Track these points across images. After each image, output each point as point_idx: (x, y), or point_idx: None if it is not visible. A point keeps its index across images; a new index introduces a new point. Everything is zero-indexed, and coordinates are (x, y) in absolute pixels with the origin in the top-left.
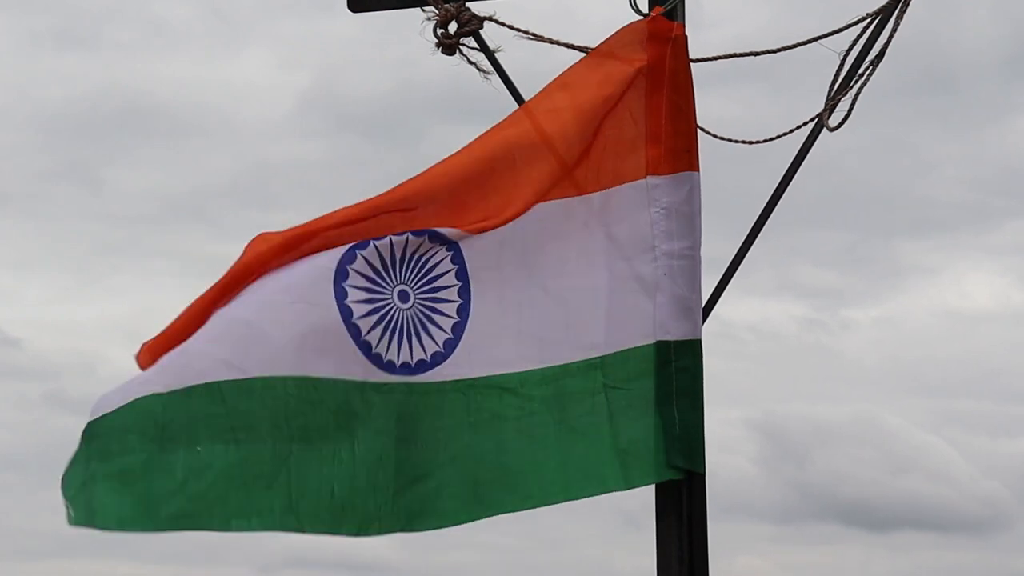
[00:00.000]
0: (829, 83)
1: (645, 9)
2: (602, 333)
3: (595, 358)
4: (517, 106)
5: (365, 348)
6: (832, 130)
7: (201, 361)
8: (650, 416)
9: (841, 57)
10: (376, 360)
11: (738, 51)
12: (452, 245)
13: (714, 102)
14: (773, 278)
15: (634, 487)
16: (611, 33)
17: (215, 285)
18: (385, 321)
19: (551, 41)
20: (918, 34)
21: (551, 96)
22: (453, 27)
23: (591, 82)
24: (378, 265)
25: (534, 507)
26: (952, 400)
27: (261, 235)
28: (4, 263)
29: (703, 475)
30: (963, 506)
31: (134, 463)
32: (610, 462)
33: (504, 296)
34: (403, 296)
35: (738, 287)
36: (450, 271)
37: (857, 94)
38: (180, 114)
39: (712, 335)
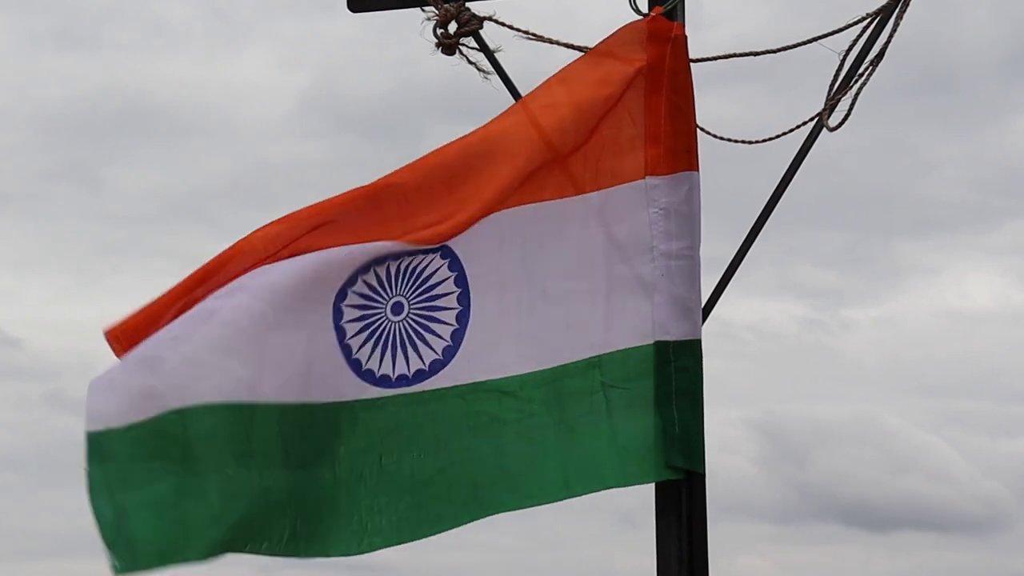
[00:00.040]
0: (829, 83)
1: (645, 9)
2: (601, 333)
3: (593, 357)
4: None
5: (356, 366)
6: (832, 130)
7: (220, 376)
8: (649, 416)
9: (841, 57)
10: (368, 376)
11: (738, 51)
12: (447, 252)
13: (714, 102)
14: (773, 278)
15: (633, 484)
16: (611, 33)
17: (197, 271)
18: (376, 336)
19: (551, 41)
20: (918, 34)
21: (549, 91)
22: (453, 27)
23: (590, 80)
24: (374, 283)
25: (534, 505)
26: (952, 400)
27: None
28: (4, 263)
29: (703, 475)
30: (963, 506)
31: (165, 491)
32: (609, 459)
33: (504, 299)
34: (397, 308)
35: (738, 287)
36: (448, 278)
37: (857, 94)
38: (180, 114)
39: (712, 335)
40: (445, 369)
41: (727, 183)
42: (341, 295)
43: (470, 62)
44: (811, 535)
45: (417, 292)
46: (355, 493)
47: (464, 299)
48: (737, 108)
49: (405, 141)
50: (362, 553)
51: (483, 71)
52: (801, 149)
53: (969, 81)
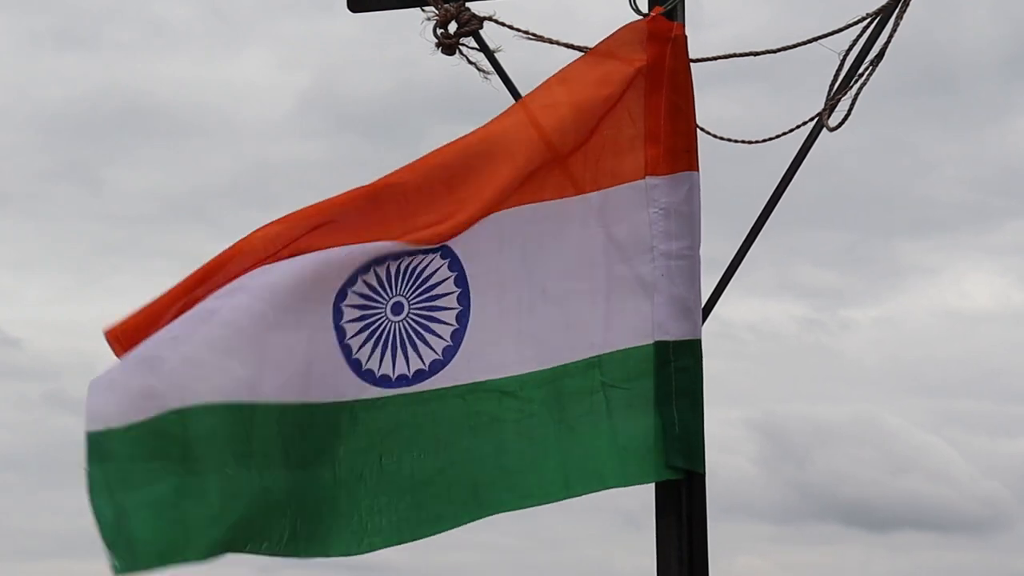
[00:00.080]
0: (829, 83)
1: (645, 9)
2: (601, 333)
3: (593, 357)
4: None
5: (356, 366)
6: (832, 130)
7: (220, 376)
8: (649, 416)
9: (841, 57)
10: (368, 376)
11: (738, 51)
12: (447, 252)
13: (714, 102)
14: (773, 278)
15: (633, 484)
16: (611, 33)
17: (197, 271)
18: (376, 336)
19: (551, 41)
20: (918, 34)
21: (549, 91)
22: (453, 27)
23: (590, 80)
24: (374, 283)
25: (534, 505)
26: (952, 400)
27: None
28: (4, 263)
29: (703, 475)
30: (963, 506)
31: (165, 491)
32: (609, 459)
33: (504, 299)
34: (397, 308)
35: (738, 287)
36: (448, 278)
37: (857, 94)
38: (180, 114)
39: (712, 335)
40: (445, 369)
41: (727, 183)
42: (341, 295)
43: (470, 62)
44: (811, 535)
45: (417, 292)
46: (355, 493)
47: (464, 299)
48: (737, 108)
49: (405, 141)
50: (362, 553)
51: (483, 71)
52: (801, 149)
53: (969, 81)
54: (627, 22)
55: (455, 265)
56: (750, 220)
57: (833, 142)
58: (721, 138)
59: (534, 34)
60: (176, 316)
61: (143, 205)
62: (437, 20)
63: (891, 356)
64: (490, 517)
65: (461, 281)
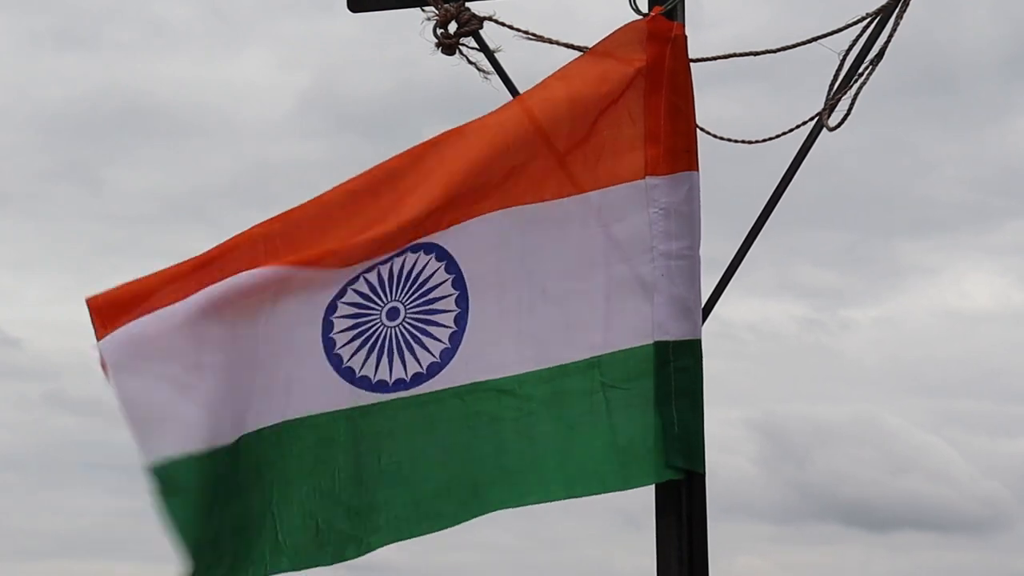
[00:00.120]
0: (829, 83)
1: (645, 9)
2: (600, 333)
3: (593, 357)
4: None
5: (348, 375)
6: (832, 130)
7: (221, 423)
8: (649, 416)
9: (841, 57)
10: (363, 383)
11: (738, 51)
12: (443, 254)
13: (714, 102)
14: (773, 278)
15: (633, 487)
16: (610, 32)
17: (188, 260)
18: (370, 343)
19: (551, 41)
20: (918, 34)
21: (546, 87)
22: (453, 27)
23: (588, 77)
24: (366, 290)
25: (534, 503)
26: (952, 400)
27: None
28: (4, 263)
29: (703, 475)
30: (963, 506)
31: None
32: (609, 461)
33: (503, 300)
34: (392, 313)
35: (738, 287)
36: (446, 281)
37: (857, 94)
38: (180, 114)
39: (712, 335)
40: (443, 372)
41: (727, 183)
42: (331, 308)
43: (470, 62)
44: (811, 535)
45: (414, 296)
46: (353, 497)
47: (463, 301)
48: (737, 108)
49: (405, 141)
50: (360, 555)
51: (483, 71)
52: (801, 149)
53: (969, 81)
54: (627, 22)
55: (452, 267)
56: (750, 220)
57: (833, 142)
58: (721, 138)
59: (534, 34)
60: (164, 303)
61: (143, 205)
62: (437, 20)
63: (891, 356)
64: (490, 516)
65: (459, 283)
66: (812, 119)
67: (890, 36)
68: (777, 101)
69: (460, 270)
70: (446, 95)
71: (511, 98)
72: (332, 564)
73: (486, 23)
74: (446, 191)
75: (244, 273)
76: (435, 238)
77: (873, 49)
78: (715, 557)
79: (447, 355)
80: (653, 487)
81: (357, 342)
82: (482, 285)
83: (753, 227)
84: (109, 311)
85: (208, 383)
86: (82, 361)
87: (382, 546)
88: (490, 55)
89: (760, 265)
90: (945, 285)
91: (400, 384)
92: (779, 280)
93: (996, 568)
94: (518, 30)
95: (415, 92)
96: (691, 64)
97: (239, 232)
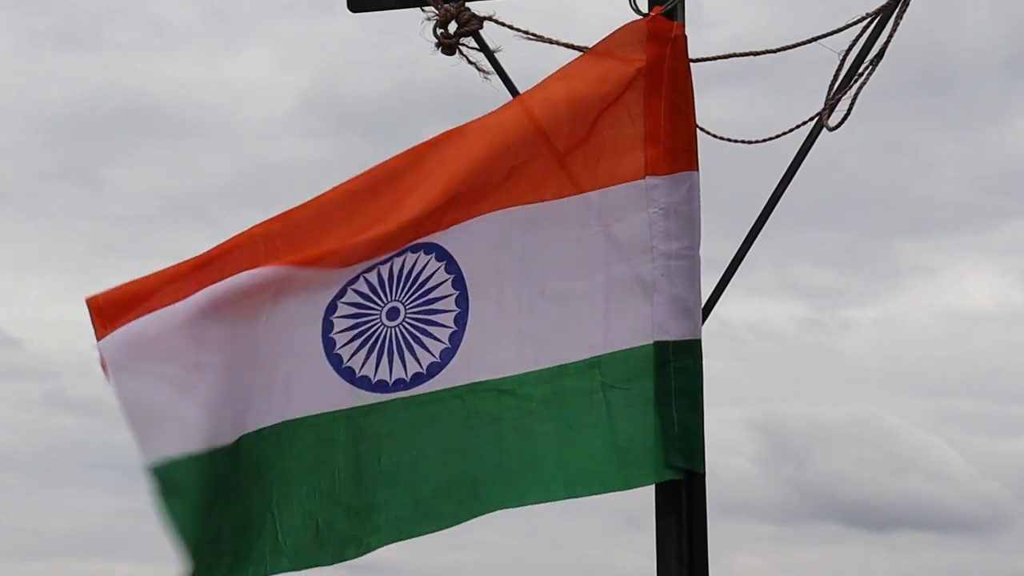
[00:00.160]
0: (829, 83)
1: (645, 9)
2: (600, 333)
3: (593, 357)
4: None
5: (348, 375)
6: (832, 130)
7: (221, 423)
8: (649, 416)
9: (841, 57)
10: (363, 383)
11: (738, 51)
12: (443, 254)
13: (714, 102)
14: (773, 278)
15: (633, 487)
16: (610, 32)
17: (189, 260)
18: (370, 343)
19: (551, 41)
20: (918, 34)
21: (546, 87)
22: (453, 27)
23: (588, 77)
24: (366, 290)
25: (534, 503)
26: (952, 400)
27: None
28: (4, 263)
29: (703, 475)
30: (963, 506)
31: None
32: (609, 461)
33: (503, 300)
34: (392, 313)
35: (738, 287)
36: (445, 281)
37: (857, 94)
38: (180, 114)
39: (712, 335)
40: (443, 372)
41: (727, 183)
42: (331, 308)
43: (470, 62)
44: (811, 535)
45: (414, 296)
46: (353, 497)
47: (463, 300)
48: (737, 108)
49: (405, 141)
50: (360, 555)
51: (483, 71)
52: (801, 149)
53: (969, 81)
54: (627, 22)
55: (452, 267)
56: (750, 220)
57: (833, 142)
58: (721, 138)
59: (534, 34)
60: (163, 303)
61: (143, 205)
62: (437, 20)
63: (891, 356)
64: (490, 516)
65: (459, 283)
66: (812, 119)
67: (890, 36)
68: (777, 101)
69: (460, 270)
70: (446, 95)
71: (511, 98)
72: (332, 564)
73: (486, 23)
74: (446, 191)
75: (244, 273)
76: (435, 238)
77: (873, 49)
78: (715, 557)
79: (447, 355)
80: (653, 487)
81: (357, 342)
82: (482, 285)
83: (753, 227)
84: (109, 311)
85: (208, 383)
86: (82, 361)
87: (382, 546)
88: (490, 55)
89: (760, 265)
90: (945, 285)
91: (400, 384)
92: (779, 280)
93: (996, 568)
94: (518, 30)
95: (415, 92)
96: (691, 64)
97: (239, 232)
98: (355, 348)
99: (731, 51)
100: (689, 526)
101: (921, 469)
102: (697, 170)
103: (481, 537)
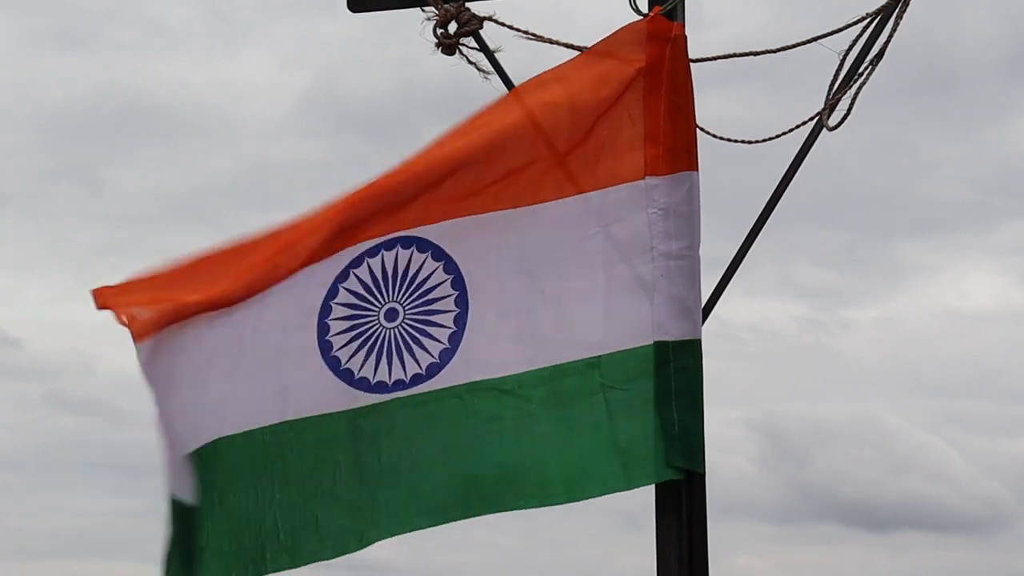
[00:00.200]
0: (829, 83)
1: (645, 9)
2: (600, 333)
3: (592, 357)
4: None
5: (347, 376)
6: (832, 130)
7: (205, 421)
8: (649, 416)
9: (841, 57)
10: (362, 385)
11: (738, 51)
12: (440, 254)
13: (714, 102)
14: (773, 278)
15: (634, 487)
16: (610, 32)
17: (201, 259)
18: (368, 344)
19: (551, 41)
20: (918, 34)
21: (546, 88)
22: (453, 27)
23: (588, 79)
24: (369, 282)
25: (536, 507)
26: (952, 400)
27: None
28: (4, 263)
29: (703, 475)
30: (963, 506)
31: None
32: (610, 462)
33: (503, 301)
34: (391, 315)
35: (738, 287)
36: (444, 281)
37: (857, 94)
38: (180, 114)
39: (712, 335)
40: (442, 372)
41: (727, 183)
42: (325, 310)
43: (470, 62)
44: (811, 535)
45: (412, 297)
46: (353, 493)
47: (462, 301)
48: (737, 108)
49: (405, 141)
50: (360, 549)
51: (483, 71)
52: (801, 149)
53: (969, 81)
54: (627, 22)
55: (451, 267)
56: (750, 220)
57: (833, 142)
58: (721, 138)
59: (534, 34)
60: (193, 309)
61: (143, 205)
62: (437, 20)
63: (891, 356)
64: (490, 516)
65: (459, 283)
66: (812, 119)
67: (890, 36)
68: (777, 101)
69: (459, 270)
70: (446, 95)
71: None
72: (332, 558)
73: (486, 23)
74: (435, 182)
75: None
76: (425, 232)
77: (873, 49)
78: (715, 557)
79: (446, 355)
80: (653, 487)
81: (355, 343)
82: (481, 285)
83: (753, 227)
84: (113, 299)
85: (214, 382)
86: (82, 361)
87: (382, 539)
88: (490, 55)
89: (760, 265)
90: (945, 285)
91: (399, 384)
92: (779, 280)
93: (996, 568)
94: (518, 30)
95: (415, 92)
96: (691, 64)
97: (250, 241)
98: (354, 350)
99: (731, 51)
100: (689, 526)
101: (921, 469)
102: (697, 170)
103: (481, 537)
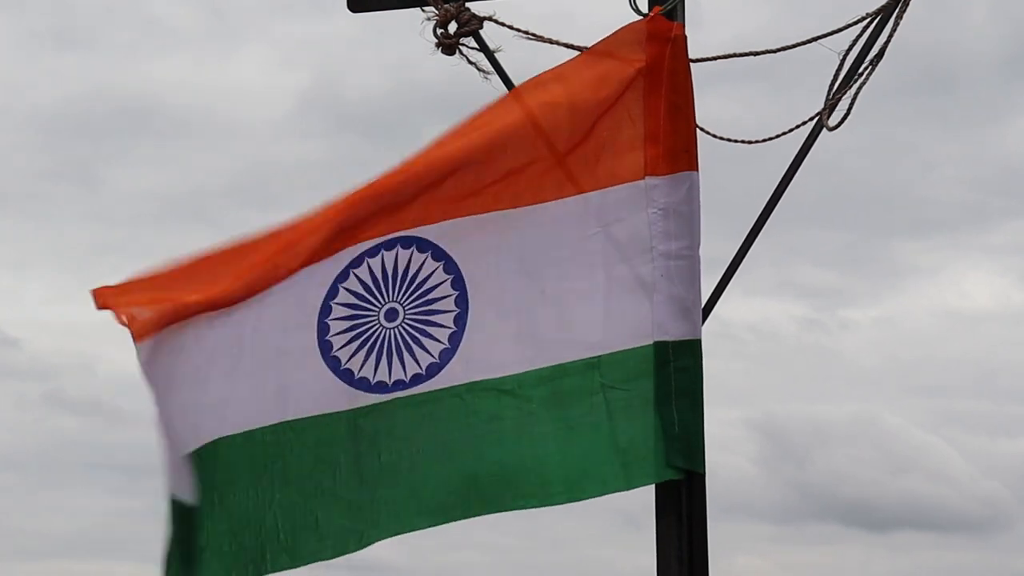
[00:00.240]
0: (829, 83)
1: (645, 9)
2: (600, 333)
3: (592, 357)
4: None
5: (347, 376)
6: (831, 129)
7: (205, 421)
8: (649, 416)
9: (841, 57)
10: (362, 385)
11: (738, 51)
12: (440, 254)
13: (714, 102)
14: (773, 278)
15: (634, 487)
16: (610, 32)
17: (200, 260)
18: (368, 344)
19: (551, 41)
20: (918, 34)
21: (546, 88)
22: (453, 27)
23: (588, 79)
24: (369, 282)
25: (536, 507)
26: (952, 400)
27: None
28: (4, 263)
29: (703, 475)
30: (963, 506)
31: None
32: (610, 462)
33: (503, 301)
34: (391, 315)
35: (738, 287)
36: (444, 281)
37: (857, 94)
38: (180, 114)
39: (712, 335)
40: (442, 372)
41: (727, 183)
42: (325, 310)
43: (470, 62)
44: (811, 535)
45: (412, 297)
46: (353, 492)
47: (462, 301)
48: (737, 108)
49: (405, 141)
50: (360, 548)
51: (483, 71)
52: (801, 149)
53: (969, 81)
54: (627, 22)
55: (451, 267)
56: (750, 220)
57: (833, 142)
58: (721, 138)
59: (534, 34)
60: (195, 308)
61: (142, 205)
62: (437, 20)
63: (891, 356)
64: (490, 516)
65: (459, 283)
66: (812, 119)
67: (890, 36)
68: (777, 101)
69: (459, 270)
70: (446, 95)
71: None
72: (332, 558)
73: (486, 23)
74: (434, 183)
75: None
76: (425, 232)
77: (873, 49)
78: (715, 557)
79: (446, 355)
80: (653, 487)
81: (355, 344)
82: (481, 285)
83: (753, 227)
84: (113, 299)
85: (214, 382)
86: (82, 361)
87: (382, 539)
88: (490, 55)
89: (760, 265)
90: (945, 285)
91: (399, 385)
92: (779, 280)
93: (996, 568)
94: (518, 30)
95: (415, 92)
96: (691, 64)
97: (249, 241)
98: (354, 350)
99: (731, 51)
100: (689, 526)
101: (921, 469)
102: (697, 170)
103: (481, 537)
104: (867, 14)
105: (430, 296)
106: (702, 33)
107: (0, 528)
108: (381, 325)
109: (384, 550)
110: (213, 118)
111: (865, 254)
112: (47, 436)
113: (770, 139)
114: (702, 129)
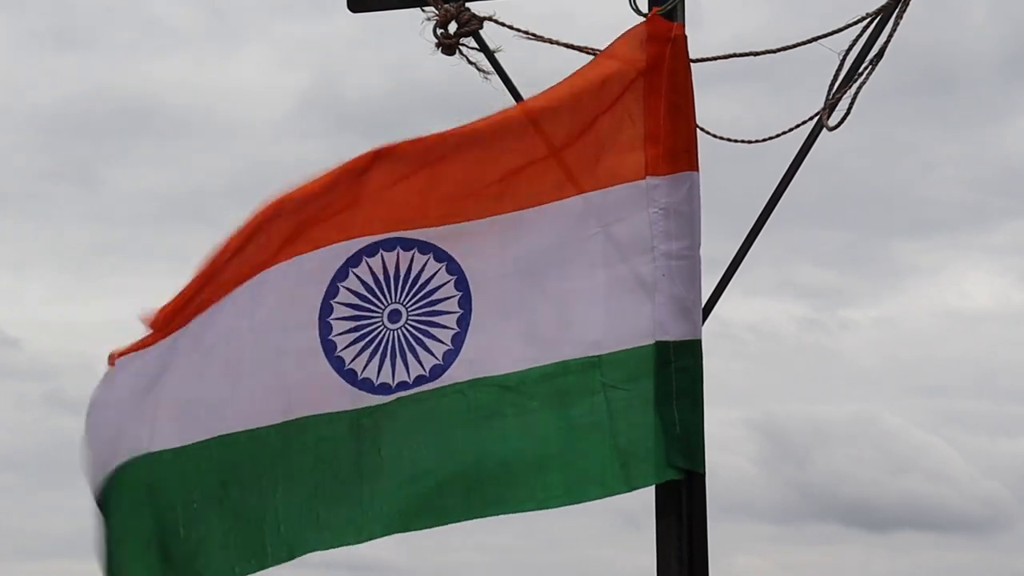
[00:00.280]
0: (829, 83)
1: (645, 9)
2: (601, 333)
3: (593, 356)
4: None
5: (351, 377)
6: (831, 129)
7: (196, 417)
8: (650, 416)
9: (841, 57)
10: (365, 386)
11: (738, 51)
12: (442, 255)
13: (714, 102)
14: (773, 277)
15: (635, 488)
16: (610, 33)
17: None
18: (372, 346)
19: (551, 41)
20: (918, 34)
21: (547, 91)
22: (453, 27)
23: (589, 79)
24: (371, 283)
25: (536, 509)
26: (952, 400)
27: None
28: (4, 263)
29: (703, 475)
30: (963, 506)
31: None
32: (611, 464)
33: (506, 301)
34: (394, 316)
35: (738, 287)
36: (448, 282)
37: (857, 94)
38: (179, 114)
39: (712, 335)
40: (446, 372)
41: (727, 183)
42: (326, 309)
43: (470, 62)
44: (811, 535)
45: (416, 298)
46: (354, 488)
47: (465, 302)
48: (737, 108)
49: None
50: (360, 542)
51: (483, 71)
52: (801, 149)
53: (969, 81)
54: (627, 22)
55: (454, 267)
56: (750, 220)
57: (833, 142)
58: (721, 138)
59: (534, 34)
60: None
61: (142, 205)
62: (437, 20)
63: (891, 356)
64: (490, 517)
65: (462, 284)
66: (812, 119)
67: (890, 36)
68: (777, 101)
69: (462, 271)
70: (446, 95)
71: (511, 98)
72: (330, 548)
73: (486, 23)
74: (434, 185)
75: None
76: (426, 235)
77: (873, 49)
78: (715, 557)
79: (449, 356)
80: (653, 487)
81: (359, 345)
82: (484, 285)
83: (753, 227)
84: (161, 324)
85: (215, 381)
86: (82, 361)
87: (382, 536)
88: (490, 55)
89: (760, 265)
90: (945, 285)
91: (402, 386)
92: (779, 280)
93: (996, 568)
94: (518, 30)
95: (415, 92)
96: (691, 64)
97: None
98: (357, 351)
99: (731, 51)
100: (689, 526)
101: (921, 469)
102: (697, 170)
103: (481, 537)
104: (867, 14)
105: (434, 297)
106: (702, 33)
107: (0, 528)
108: (385, 327)
109: (384, 550)
110: (213, 118)
111: (865, 254)
112: (47, 436)
113: (770, 139)
114: (702, 129)
